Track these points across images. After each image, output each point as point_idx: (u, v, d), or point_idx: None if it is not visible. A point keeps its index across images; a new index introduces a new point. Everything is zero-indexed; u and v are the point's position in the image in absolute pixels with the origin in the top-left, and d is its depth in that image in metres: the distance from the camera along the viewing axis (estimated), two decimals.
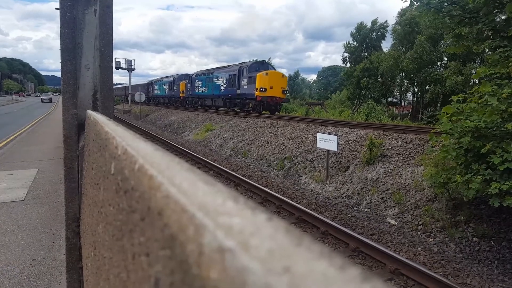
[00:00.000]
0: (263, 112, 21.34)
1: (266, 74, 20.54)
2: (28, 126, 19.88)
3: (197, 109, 30.96)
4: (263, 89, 20.19)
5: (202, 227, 0.23)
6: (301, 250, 0.20)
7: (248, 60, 24.82)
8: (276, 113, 21.82)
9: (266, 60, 25.12)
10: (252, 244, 0.20)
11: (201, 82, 29.05)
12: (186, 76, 35.75)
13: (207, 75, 28.20)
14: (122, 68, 46.48)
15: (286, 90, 22.05)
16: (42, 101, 69.47)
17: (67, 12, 1.61)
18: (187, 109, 31.54)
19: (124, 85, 61.59)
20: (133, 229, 0.41)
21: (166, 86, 39.50)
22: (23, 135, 15.78)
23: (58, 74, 1.82)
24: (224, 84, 24.82)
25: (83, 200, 1.44)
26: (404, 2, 7.29)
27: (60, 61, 1.66)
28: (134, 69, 47.07)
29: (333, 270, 0.18)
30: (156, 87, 44.10)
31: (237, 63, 25.39)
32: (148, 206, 0.35)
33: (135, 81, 67.10)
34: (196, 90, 30.14)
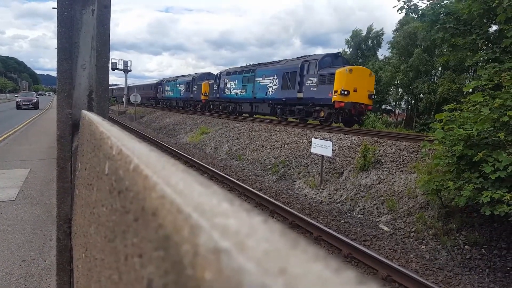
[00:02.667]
0: (334, 124, 16.03)
1: (350, 71, 14.83)
2: (21, 126, 19.72)
3: (193, 112, 29.74)
4: (345, 92, 14.55)
5: (198, 227, 0.23)
6: (297, 252, 0.20)
7: (309, 54, 18.41)
8: (356, 125, 16.23)
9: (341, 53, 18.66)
10: (248, 245, 0.20)
11: (236, 82, 23.03)
12: (210, 76, 30.41)
13: (246, 74, 22.15)
14: (118, 69, 46.15)
15: (374, 95, 16.27)
16: (17, 107, 35.97)
17: (64, 12, 1.61)
18: (184, 111, 30.43)
19: (123, 87, 59.99)
20: (126, 230, 0.41)
21: (181, 87, 33.46)
22: (16, 134, 15.64)
23: (54, 74, 1.82)
24: (275, 85, 18.89)
25: (75, 200, 1.43)
26: (399, 13, 7.37)
27: (56, 60, 1.66)
28: (130, 70, 46.83)
29: (328, 272, 0.18)
30: (167, 88, 37.99)
31: (294, 57, 19.41)
32: (143, 206, 0.34)
33: (131, 82, 64.84)
34: (227, 92, 24.00)
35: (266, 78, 19.92)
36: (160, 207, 0.29)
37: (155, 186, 0.32)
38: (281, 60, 20.24)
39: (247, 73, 22.11)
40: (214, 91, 26.19)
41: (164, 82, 39.96)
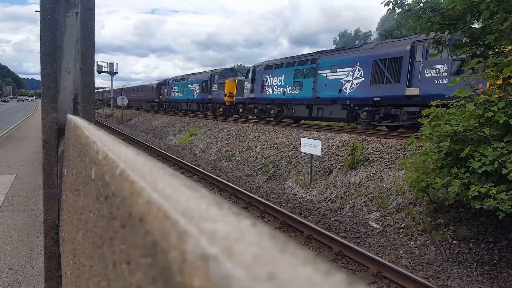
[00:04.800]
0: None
1: None
2: (6, 131, 19.33)
3: (181, 114, 28.72)
4: None
5: (185, 233, 0.23)
6: (286, 256, 0.20)
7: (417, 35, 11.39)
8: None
9: None
10: (237, 251, 0.20)
11: (282, 78, 17.68)
12: (233, 72, 25.72)
13: (300, 66, 16.74)
14: (104, 72, 45.54)
15: None
16: None
17: (47, 15, 1.58)
18: (172, 113, 29.61)
19: (118, 88, 52.37)
20: (114, 236, 0.40)
21: (195, 87, 28.01)
22: (1, 140, 15.34)
23: (38, 78, 1.79)
24: (358, 78, 13.50)
25: (63, 206, 1.41)
26: (387, 9, 7.38)
27: (40, 64, 1.63)
28: (116, 72, 46.26)
29: (318, 276, 0.18)
30: (175, 88, 32.26)
31: (388, 40, 14.71)
32: (129, 212, 0.34)
33: (118, 84, 62.08)
34: (268, 91, 18.73)
35: (338, 70, 14.44)
36: (147, 213, 0.29)
37: (141, 192, 0.32)
38: (364, 44, 15.14)
39: (302, 65, 16.49)
40: (246, 90, 20.54)
41: (170, 82, 34.14)
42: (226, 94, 22.88)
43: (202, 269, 0.20)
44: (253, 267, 0.18)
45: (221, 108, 24.47)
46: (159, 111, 34.37)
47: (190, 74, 31.27)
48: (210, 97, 25.43)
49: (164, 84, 35.54)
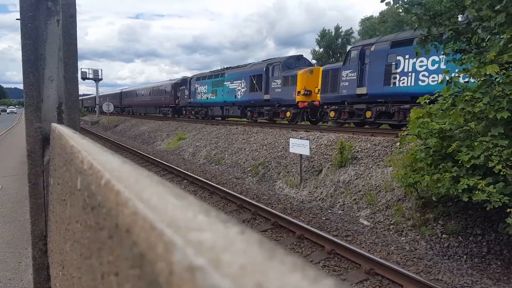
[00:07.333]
0: None
1: None
2: None
3: (167, 118, 28.54)
4: None
5: (172, 244, 0.23)
6: (274, 263, 0.20)
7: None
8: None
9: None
10: (224, 260, 0.20)
11: (436, 59, 10.31)
12: (300, 61, 18.48)
13: None
14: (88, 79, 44.88)
15: None
16: None
17: (28, 23, 1.55)
18: (160, 118, 29.12)
19: (115, 93, 47.59)
20: (101, 247, 0.39)
21: (238, 85, 20.57)
22: None
23: (21, 86, 1.76)
24: None
25: (50, 217, 1.39)
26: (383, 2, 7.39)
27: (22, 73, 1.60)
28: (101, 79, 45.68)
29: (306, 283, 0.18)
30: (202, 88, 24.37)
31: None
32: (116, 223, 0.33)
33: (104, 90, 59.57)
34: (400, 82, 11.58)
35: None
36: (133, 224, 0.29)
37: (127, 202, 0.31)
38: None
39: None
40: (345, 84, 13.79)
41: (194, 80, 25.80)
42: (298, 92, 16.15)
43: (189, 281, 0.19)
44: (240, 277, 0.18)
45: (288, 112, 17.29)
46: (146, 116, 33.79)
47: (226, 69, 23.45)
48: (267, 97, 18.29)
49: (183, 84, 27.95)
